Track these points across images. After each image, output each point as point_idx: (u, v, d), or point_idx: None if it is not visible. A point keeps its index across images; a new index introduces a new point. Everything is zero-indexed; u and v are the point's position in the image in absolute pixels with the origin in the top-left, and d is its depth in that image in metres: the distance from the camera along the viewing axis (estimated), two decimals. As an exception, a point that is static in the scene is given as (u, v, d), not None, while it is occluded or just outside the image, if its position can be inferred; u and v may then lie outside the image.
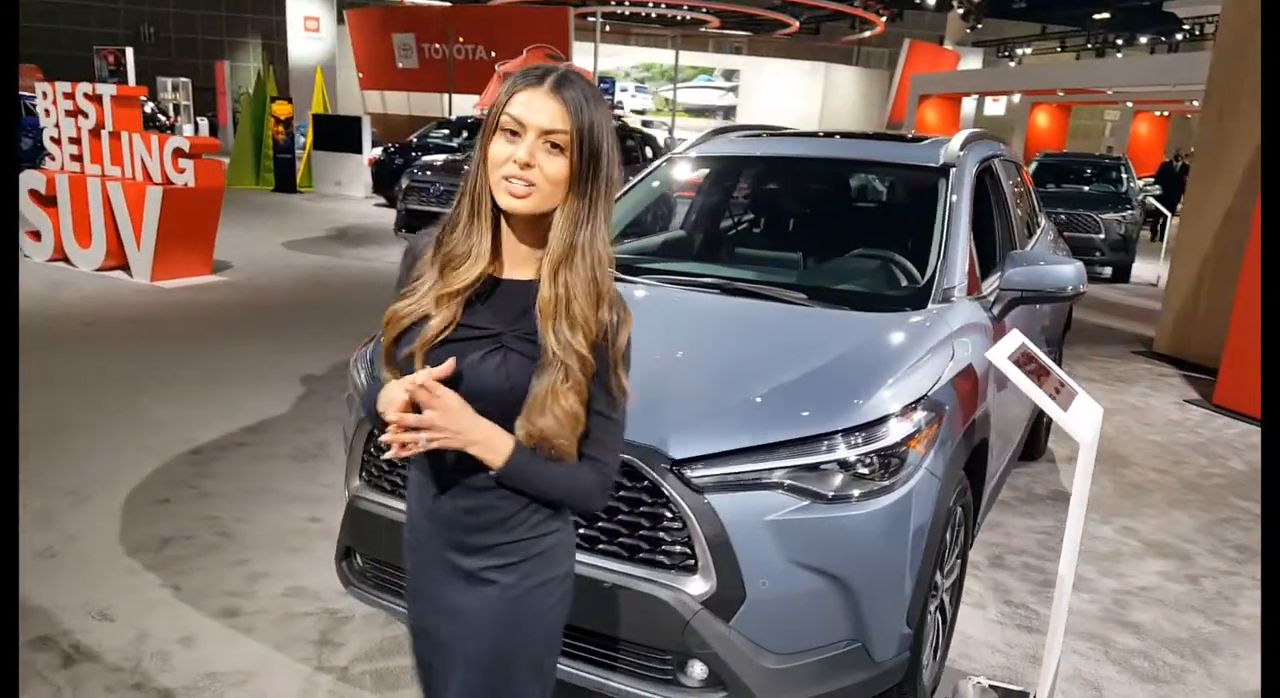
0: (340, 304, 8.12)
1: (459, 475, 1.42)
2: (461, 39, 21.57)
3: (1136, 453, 5.19)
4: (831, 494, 2.14)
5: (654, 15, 35.34)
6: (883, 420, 2.23)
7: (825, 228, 3.67)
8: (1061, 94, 20.69)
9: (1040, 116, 24.45)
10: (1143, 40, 38.92)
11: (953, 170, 3.45)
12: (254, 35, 36.72)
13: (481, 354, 1.37)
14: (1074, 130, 28.08)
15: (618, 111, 14.00)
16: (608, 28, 29.36)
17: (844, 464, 2.17)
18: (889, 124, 35.47)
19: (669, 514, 2.12)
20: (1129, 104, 23.88)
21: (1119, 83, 18.26)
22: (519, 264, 1.43)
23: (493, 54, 21.64)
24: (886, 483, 2.17)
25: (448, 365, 1.34)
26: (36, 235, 8.82)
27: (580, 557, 2.17)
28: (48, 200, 8.66)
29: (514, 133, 1.33)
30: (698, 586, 2.09)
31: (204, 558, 3.39)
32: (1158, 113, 25.83)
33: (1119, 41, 39.62)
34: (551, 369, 1.34)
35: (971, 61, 37.43)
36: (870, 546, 2.17)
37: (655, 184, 3.98)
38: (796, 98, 38.46)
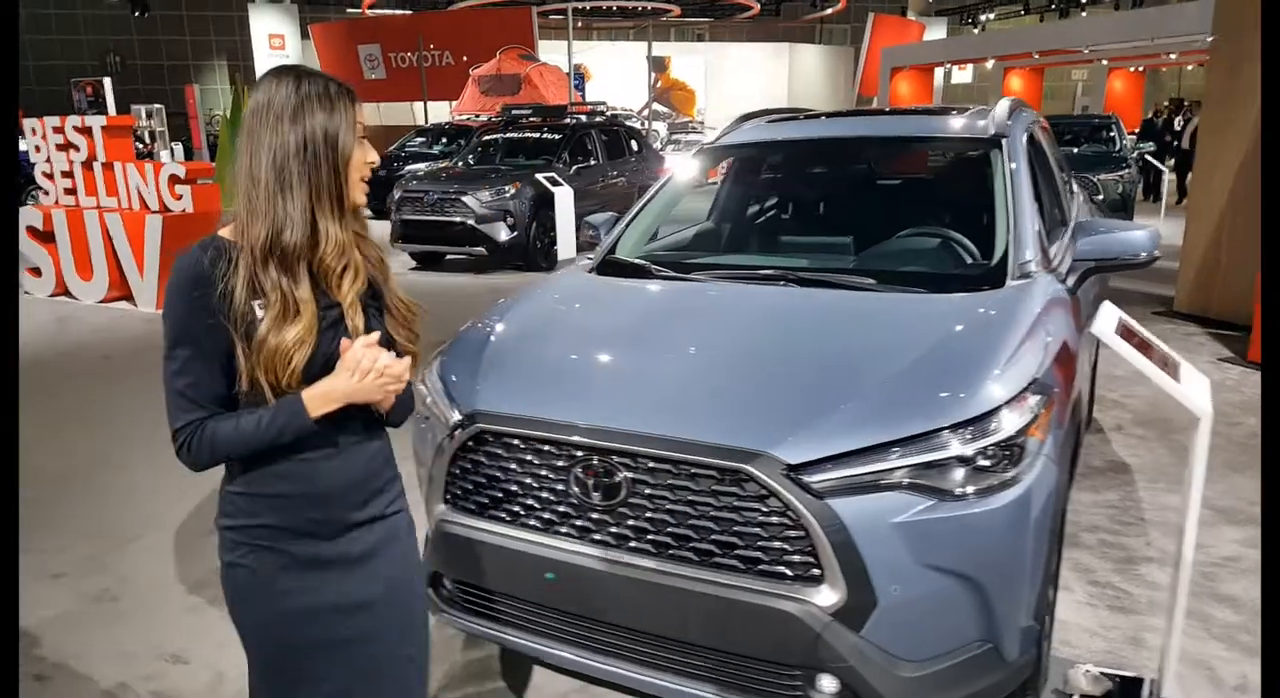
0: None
1: (355, 441, 1.61)
2: (432, 45, 21.32)
3: (1184, 416, 5.12)
4: (958, 491, 2.04)
5: (615, 9, 35.09)
6: (998, 409, 2.13)
7: (875, 209, 3.56)
8: (1037, 57, 20.67)
9: (1014, 81, 24.44)
10: (1106, -1, 39.08)
11: (1004, 140, 3.36)
12: (219, 57, 36.25)
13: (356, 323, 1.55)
14: (1046, 93, 28.09)
15: (600, 106, 13.80)
16: (579, 24, 29.13)
17: (965, 459, 2.07)
18: (859, 99, 35.44)
19: (788, 522, 2.02)
20: (1104, 62, 23.89)
21: (1095, 41, 18.23)
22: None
23: (464, 58, 21.41)
24: (1010, 475, 2.08)
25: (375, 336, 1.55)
26: (37, 272, 8.76)
27: (692, 572, 2.10)
28: (46, 236, 8.60)
29: (363, 139, 1.53)
30: (826, 596, 2.00)
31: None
32: (1132, 69, 25.88)
33: (1082, 0, 39.78)
34: (395, 313, 1.64)
35: (936, 31, 37.41)
36: (999, 541, 2.08)
37: (692, 178, 3.86)
38: (763, 80, 38.37)
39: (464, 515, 2.44)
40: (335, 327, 1.54)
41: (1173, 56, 22.30)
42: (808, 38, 43.39)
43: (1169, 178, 15.30)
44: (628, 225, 3.60)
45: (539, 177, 9.95)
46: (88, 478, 4.31)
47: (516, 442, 2.33)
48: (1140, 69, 26.58)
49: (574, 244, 10.29)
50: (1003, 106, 3.65)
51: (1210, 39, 7.83)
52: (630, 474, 2.16)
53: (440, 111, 22.88)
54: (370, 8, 31.26)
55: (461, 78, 21.51)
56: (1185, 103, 18.15)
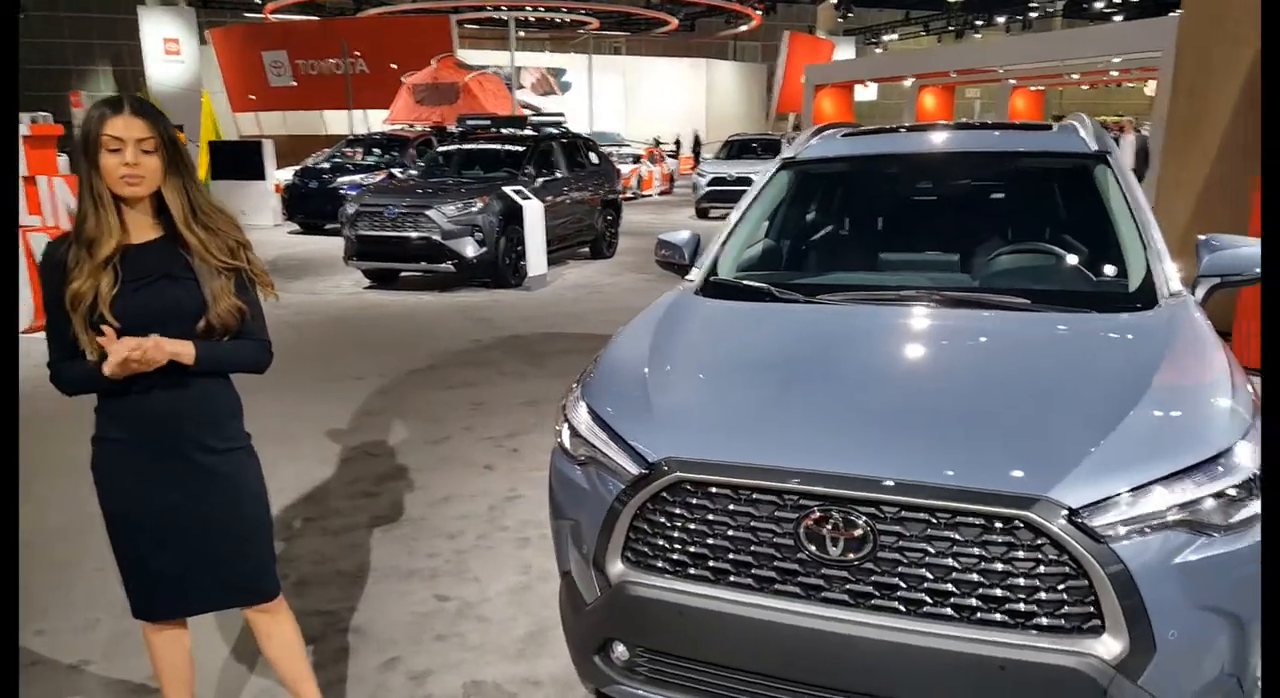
0: (317, 343, 7.49)
1: (176, 379, 2.05)
2: (358, 53, 20.61)
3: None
4: (1224, 526, 1.93)
5: (533, 19, 34.82)
6: (1241, 439, 2.03)
7: (982, 225, 3.45)
8: (954, 75, 21.42)
9: (928, 98, 25.30)
10: (999, 20, 41.12)
11: (1109, 156, 3.31)
12: (102, 62, 34.28)
13: (162, 289, 2.01)
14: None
15: (559, 117, 13.50)
16: (522, 34, 28.62)
17: (1226, 493, 1.95)
18: (777, 115, 36.11)
19: (1069, 571, 1.86)
20: (1012, 81, 24.99)
21: (1010, 61, 19.01)
22: (146, 230, 2.05)
23: (393, 67, 20.77)
24: (1255, 506, 1.97)
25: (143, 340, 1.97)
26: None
27: (951, 630, 1.91)
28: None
29: (116, 150, 1.93)
30: (1109, 647, 1.85)
31: (345, 665, 2.91)
32: (1032, 88, 27.17)
33: (978, 23, 41.75)
34: (212, 281, 2.06)
35: (845, 50, 38.54)
36: (1254, 575, 1.97)
37: (775, 194, 3.68)
38: (682, 95, 38.73)
39: (652, 576, 2.17)
40: (134, 285, 2.00)
41: (1075, 76, 23.53)
42: (720, 54, 44.06)
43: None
44: (723, 245, 3.40)
45: (506, 189, 9.61)
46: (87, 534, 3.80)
47: (727, 492, 2.08)
48: (1040, 88, 27.95)
49: (545, 259, 10.00)
50: (1088, 123, 3.62)
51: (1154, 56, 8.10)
52: (877, 525, 1.96)
53: (365, 120, 22.19)
54: (273, 13, 30.10)
55: (380, 86, 20.88)
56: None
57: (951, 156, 3.78)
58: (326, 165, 15.33)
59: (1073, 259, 3.18)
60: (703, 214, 17.34)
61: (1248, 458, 1.98)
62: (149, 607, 2.21)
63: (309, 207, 14.53)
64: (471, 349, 7.30)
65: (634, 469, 2.17)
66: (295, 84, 25.16)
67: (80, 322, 1.96)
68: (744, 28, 40.78)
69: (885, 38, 45.33)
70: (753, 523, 2.06)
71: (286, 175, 15.69)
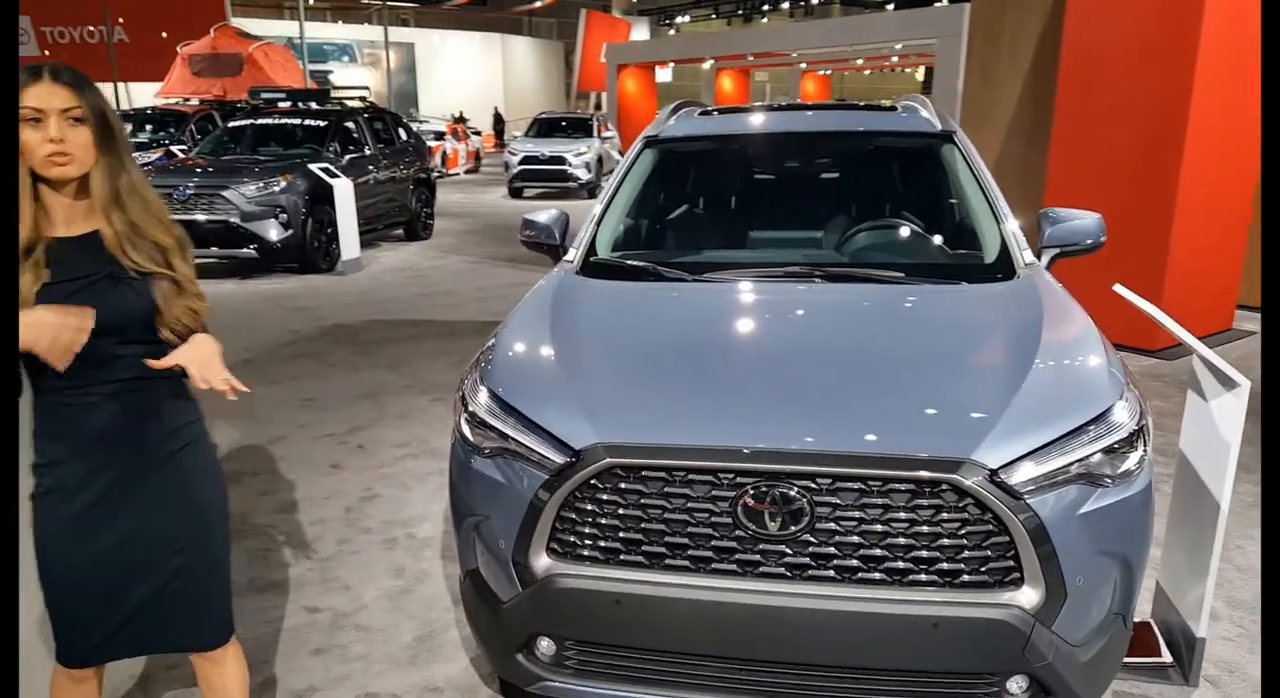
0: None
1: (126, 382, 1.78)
2: (121, 20, 18.47)
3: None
4: (1118, 475, 2.09)
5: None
6: (1124, 392, 2.21)
7: (842, 202, 3.56)
8: (752, 58, 22.24)
9: (725, 81, 26.16)
10: (784, 6, 43.15)
11: (956, 136, 3.50)
12: None
13: (103, 291, 1.71)
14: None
15: (362, 92, 12.70)
16: (314, 2, 26.58)
17: (1111, 447, 2.12)
18: (578, 93, 36.08)
19: (992, 528, 1.96)
20: (803, 64, 26.27)
21: (805, 45, 19.98)
22: (80, 221, 1.75)
23: (163, 35, 18.80)
24: (1142, 455, 2.16)
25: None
26: None
27: (885, 593, 1.98)
28: None
29: (37, 121, 1.65)
30: (1029, 597, 1.97)
31: None
32: (822, 72, 28.74)
33: (764, 7, 43.61)
34: (157, 284, 1.76)
35: (640, 30, 39.09)
36: (1145, 518, 2.17)
37: (641, 172, 3.63)
38: (477, 71, 37.85)
39: (581, 566, 2.09)
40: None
41: (860, 62, 25.10)
42: (514, 29, 43.36)
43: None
44: (598, 224, 3.32)
45: (313, 167, 8.96)
46: None
47: (661, 474, 2.03)
48: (828, 72, 29.61)
49: (358, 242, 9.45)
50: (927, 103, 3.82)
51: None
52: (813, 498, 1.97)
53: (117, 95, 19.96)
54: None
55: (146, 56, 18.87)
56: None
57: (810, 136, 3.88)
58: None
59: (933, 234, 3.34)
60: (516, 194, 17.00)
61: (1126, 415, 2.15)
62: (75, 652, 1.89)
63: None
64: (292, 340, 6.78)
65: (558, 458, 2.08)
66: (45, 54, 22.37)
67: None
68: (538, 3, 40.37)
69: (678, 19, 46.41)
70: (689, 504, 2.02)
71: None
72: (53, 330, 1.61)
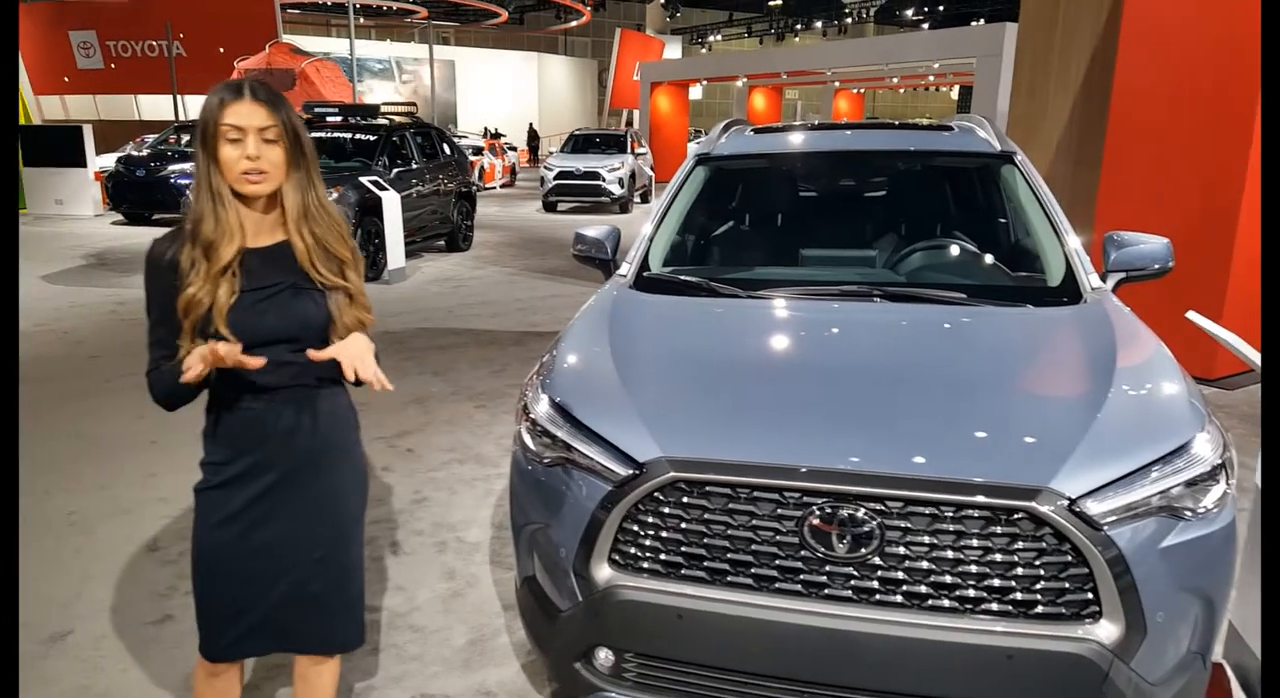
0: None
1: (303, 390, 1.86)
2: (182, 36, 18.95)
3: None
4: (1201, 509, 2.02)
5: (359, 5, 33.34)
6: (1205, 424, 2.14)
7: (904, 223, 3.50)
8: (785, 76, 22.28)
9: (758, 98, 26.23)
10: (817, 25, 43.27)
11: (1016, 157, 3.44)
12: None
13: (286, 301, 1.78)
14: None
15: (410, 108, 12.93)
16: (361, 21, 27.11)
17: (1194, 480, 2.03)
18: (611, 110, 36.36)
19: (1070, 559, 1.90)
20: (836, 83, 26.28)
21: (840, 64, 19.98)
22: (266, 232, 1.82)
23: (221, 50, 19.27)
24: (1226, 489, 2.08)
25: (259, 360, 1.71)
26: None
27: (955, 622, 1.92)
28: None
29: (236, 140, 1.71)
30: (1108, 632, 1.89)
31: (277, 681, 2.66)
32: (855, 90, 28.73)
33: (798, 26, 43.76)
34: (333, 295, 1.83)
35: (672, 49, 39.36)
36: (1227, 555, 2.09)
37: (693, 190, 3.64)
38: (514, 89, 38.28)
39: (643, 578, 2.08)
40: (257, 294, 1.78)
41: (895, 80, 25.08)
42: (551, 48, 43.85)
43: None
44: (651, 240, 3.35)
45: (363, 180, 9.11)
46: None
47: (726, 491, 2.01)
48: (860, 91, 29.59)
49: (403, 252, 9.58)
50: (985, 123, 3.75)
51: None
52: (883, 521, 1.94)
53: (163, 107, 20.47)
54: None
55: (203, 70, 19.35)
56: None
57: (865, 155, 3.83)
58: (156, 152, 14.17)
59: (993, 256, 3.28)
60: (550, 208, 17.15)
61: (1209, 448, 2.07)
62: (219, 645, 1.95)
63: (136, 196, 13.42)
64: (338, 348, 6.89)
65: (621, 470, 2.07)
66: (110, 67, 23.10)
67: (190, 331, 1.74)
68: (574, 23, 40.80)
69: (710, 38, 46.71)
70: (754, 522, 2.00)
71: (107, 163, 14.33)
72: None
